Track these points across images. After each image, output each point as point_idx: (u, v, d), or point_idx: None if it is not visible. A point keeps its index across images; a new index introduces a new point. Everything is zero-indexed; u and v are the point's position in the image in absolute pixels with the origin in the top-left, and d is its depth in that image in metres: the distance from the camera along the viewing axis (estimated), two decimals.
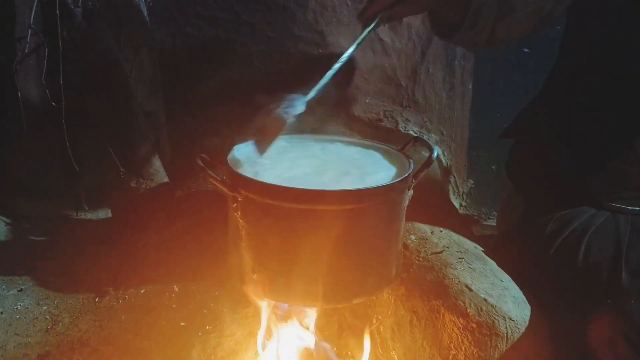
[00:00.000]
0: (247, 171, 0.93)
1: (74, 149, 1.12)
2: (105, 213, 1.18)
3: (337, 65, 1.03)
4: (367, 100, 1.66)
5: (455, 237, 1.16)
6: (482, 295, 0.92)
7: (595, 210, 1.11)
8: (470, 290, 0.93)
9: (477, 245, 1.15)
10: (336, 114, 1.63)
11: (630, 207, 1.09)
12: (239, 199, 0.89)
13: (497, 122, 1.75)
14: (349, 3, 1.55)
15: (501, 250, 1.19)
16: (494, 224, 1.83)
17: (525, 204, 1.33)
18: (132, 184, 1.10)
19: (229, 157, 0.97)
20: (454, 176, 1.79)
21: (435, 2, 1.02)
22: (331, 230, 0.86)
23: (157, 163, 1.14)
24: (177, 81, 1.38)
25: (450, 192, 1.81)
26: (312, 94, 1.00)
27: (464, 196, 1.85)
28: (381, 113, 1.68)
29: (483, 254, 1.10)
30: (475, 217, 1.84)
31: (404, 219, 0.97)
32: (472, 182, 1.84)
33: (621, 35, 1.13)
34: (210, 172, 0.89)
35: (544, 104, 1.35)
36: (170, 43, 1.45)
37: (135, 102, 1.15)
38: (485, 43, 1.15)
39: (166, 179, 1.16)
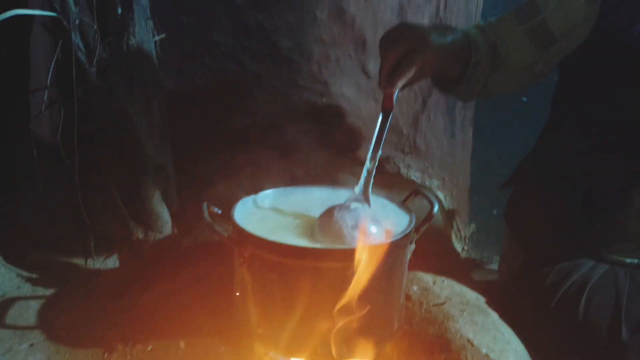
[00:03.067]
0: (252, 225, 0.96)
1: (85, 202, 1.15)
2: (113, 263, 1.21)
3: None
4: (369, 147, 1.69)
5: (458, 287, 1.18)
6: (484, 351, 0.94)
7: (594, 262, 1.13)
8: (472, 345, 0.95)
9: (479, 296, 1.17)
10: (340, 159, 1.67)
11: (628, 260, 1.11)
12: (245, 254, 0.92)
13: (497, 169, 1.78)
14: (352, 54, 1.60)
15: (502, 300, 1.21)
16: (496, 268, 1.84)
17: (524, 254, 1.35)
18: (140, 236, 1.12)
19: (235, 210, 1.00)
20: (456, 221, 1.81)
21: (442, 64, 1.05)
22: (334, 287, 0.88)
23: (165, 215, 1.17)
24: (184, 132, 1.42)
25: (453, 237, 1.83)
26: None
27: (466, 240, 1.87)
28: (383, 159, 1.72)
29: (485, 306, 1.12)
30: (478, 262, 1.85)
31: (407, 272, 0.99)
32: (474, 226, 1.86)
33: (614, 89, 1.16)
34: (216, 226, 0.92)
35: (541, 154, 1.38)
36: (179, 94, 1.49)
37: (146, 156, 1.19)
38: (478, 95, 1.19)
39: (173, 231, 1.19)
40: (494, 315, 1.08)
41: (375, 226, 0.93)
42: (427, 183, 1.74)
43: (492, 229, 1.88)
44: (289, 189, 1.16)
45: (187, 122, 1.45)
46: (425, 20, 1.60)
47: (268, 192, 1.13)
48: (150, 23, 1.34)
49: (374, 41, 1.59)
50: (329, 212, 0.95)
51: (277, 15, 1.52)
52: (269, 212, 1.04)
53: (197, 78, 1.51)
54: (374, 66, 1.61)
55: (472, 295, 1.15)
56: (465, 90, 1.17)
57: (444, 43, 1.02)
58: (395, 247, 0.91)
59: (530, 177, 1.39)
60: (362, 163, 1.70)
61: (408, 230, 0.94)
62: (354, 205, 0.99)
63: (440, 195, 1.76)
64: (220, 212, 1.03)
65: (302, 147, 1.62)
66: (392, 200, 1.10)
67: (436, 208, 1.01)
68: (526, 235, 1.34)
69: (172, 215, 1.23)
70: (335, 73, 1.61)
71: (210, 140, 1.50)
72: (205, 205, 1.00)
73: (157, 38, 1.37)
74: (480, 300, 1.15)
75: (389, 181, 1.72)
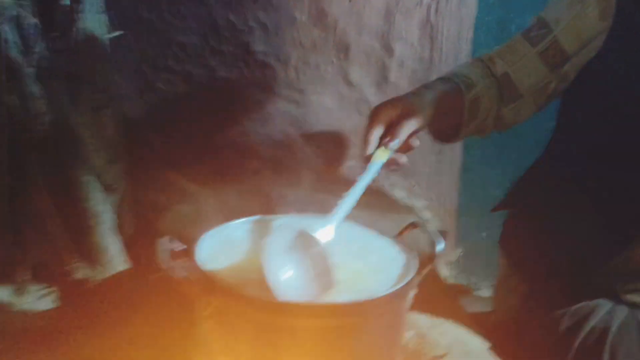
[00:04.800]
0: (223, 266, 0.79)
1: (17, 227, 0.95)
2: (48, 303, 1.01)
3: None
4: (352, 163, 1.54)
5: (458, 332, 1.03)
6: None
7: (612, 304, 1.00)
8: None
9: (482, 342, 1.02)
10: (320, 177, 1.51)
11: None
12: (213, 304, 0.75)
13: (487, 189, 1.65)
14: (334, 60, 1.44)
15: (503, 341, 1.06)
16: (485, 295, 1.71)
17: (526, 287, 1.21)
18: (84, 273, 0.94)
19: (199, 247, 0.82)
20: None
21: (434, 120, 0.97)
22: (324, 348, 0.72)
23: (115, 247, 0.99)
24: (143, 145, 1.23)
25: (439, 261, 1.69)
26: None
27: (453, 265, 1.73)
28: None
29: (489, 356, 0.97)
30: (464, 288, 1.72)
31: (406, 323, 0.84)
32: (461, 250, 1.73)
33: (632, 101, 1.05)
34: (177, 269, 0.74)
35: (544, 173, 1.25)
36: (137, 101, 1.31)
37: (94, 174, 1.00)
38: (493, 128, 1.13)
39: (125, 266, 1.00)
40: None
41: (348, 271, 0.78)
42: (412, 203, 1.60)
43: (481, 253, 1.76)
44: (267, 218, 0.99)
45: (146, 133, 1.26)
46: (414, 24, 1.45)
47: (240, 221, 0.95)
48: (104, 17, 1.15)
49: (357, 46, 1.44)
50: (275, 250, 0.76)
51: (251, 15, 1.35)
52: (244, 248, 0.87)
53: (159, 83, 1.33)
54: (357, 74, 1.46)
55: (474, 342, 1.01)
56: (474, 128, 1.09)
57: (426, 101, 0.96)
58: (396, 299, 0.76)
59: (530, 198, 1.26)
60: (341, 181, 1.58)
61: (411, 277, 0.78)
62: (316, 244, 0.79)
63: (426, 216, 1.62)
64: (184, 248, 0.85)
65: (278, 164, 1.46)
66: (383, 233, 0.95)
67: (441, 246, 0.86)
68: (528, 267, 1.21)
69: (124, 246, 1.04)
70: (314, 81, 1.45)
71: (173, 155, 1.31)
72: (163, 241, 0.82)
73: (111, 35, 1.18)
74: (484, 348, 1.01)
75: (371, 200, 1.57)
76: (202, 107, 1.40)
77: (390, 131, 0.89)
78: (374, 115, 0.91)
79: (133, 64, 1.30)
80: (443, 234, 0.98)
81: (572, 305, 1.04)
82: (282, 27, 1.38)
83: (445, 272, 1.70)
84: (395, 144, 0.88)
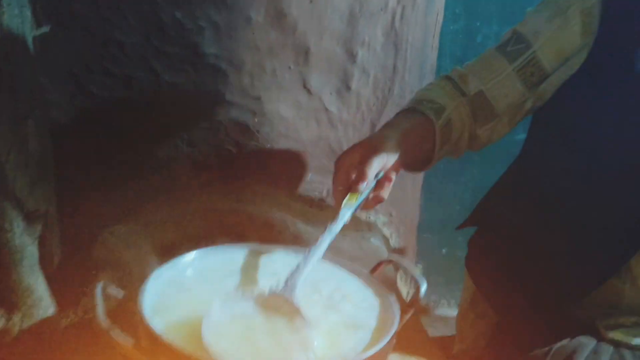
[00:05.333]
0: (173, 322, 0.66)
1: None
2: None
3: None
4: (309, 178, 1.43)
5: None
6: None
7: (595, 342, 0.94)
8: None
9: None
10: (273, 193, 1.39)
11: (635, 341, 0.92)
12: None
13: (448, 204, 1.58)
14: (291, 66, 1.32)
15: None
16: (445, 314, 1.65)
17: (496, 317, 1.14)
18: (0, 322, 0.78)
19: (145, 294, 0.69)
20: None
21: (404, 149, 0.93)
22: None
23: (39, 288, 0.83)
24: (74, 161, 1.07)
25: (398, 279, 1.60)
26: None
27: (413, 283, 1.65)
28: (324, 192, 1.45)
29: None
30: (424, 307, 1.65)
31: None
32: (421, 267, 1.66)
33: (612, 116, 0.98)
34: (115, 334, 0.60)
35: (514, 190, 1.19)
36: (67, 107, 1.14)
37: (13, 199, 0.84)
38: (467, 148, 1.08)
39: (52, 310, 0.84)
40: None
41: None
42: (372, 219, 1.50)
43: (441, 270, 1.69)
44: (220, 249, 0.87)
45: (78, 148, 1.10)
46: (379, 30, 1.35)
47: (190, 256, 0.82)
48: (28, 11, 0.98)
49: (318, 51, 1.32)
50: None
51: (200, 14, 1.21)
52: (197, 292, 0.74)
53: (94, 89, 1.16)
54: (317, 81, 1.35)
55: None
56: (447, 151, 1.05)
57: (391, 138, 0.92)
58: (379, 358, 0.65)
59: (497, 217, 1.19)
60: (298, 197, 1.46)
61: (394, 330, 0.68)
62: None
63: (387, 232, 1.53)
64: (121, 297, 0.71)
65: (231, 177, 1.32)
66: (353, 271, 0.84)
67: (424, 289, 0.77)
68: (498, 295, 1.14)
69: (50, 282, 0.88)
70: (270, 87, 1.32)
71: (110, 171, 1.15)
72: (100, 286, 0.68)
73: (37, 32, 1.01)
74: None
75: (330, 217, 1.47)
76: (144, 116, 1.24)
77: (356, 176, 0.85)
78: (337, 164, 0.89)
79: (63, 65, 1.13)
80: (399, 251, 0.89)
81: (550, 342, 0.97)
82: (235, 27, 1.24)
83: (404, 291, 1.62)
84: (364, 185, 0.84)
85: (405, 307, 0.74)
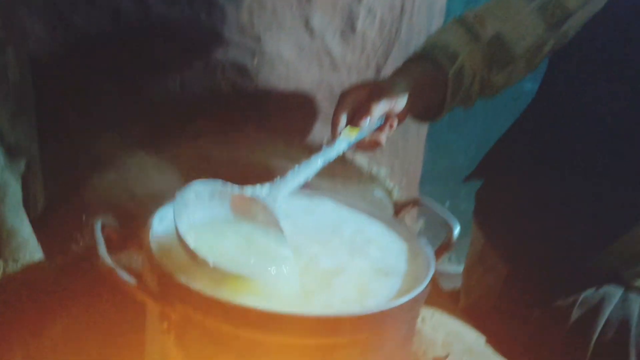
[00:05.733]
0: (186, 267, 0.58)
1: None
2: None
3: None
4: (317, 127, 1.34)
5: (451, 323, 0.89)
6: None
7: (622, 291, 0.89)
8: None
9: (478, 336, 0.89)
10: (272, 141, 1.30)
11: None
12: (173, 316, 0.54)
13: (453, 155, 1.52)
14: (294, 4, 1.22)
15: (483, 330, 0.94)
16: (447, 271, 1.61)
17: (507, 269, 1.09)
18: None
19: (151, 232, 0.61)
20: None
21: (413, 97, 0.88)
22: None
23: (24, 230, 0.74)
24: (58, 96, 0.96)
25: None
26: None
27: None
28: (324, 140, 1.37)
29: (495, 355, 0.83)
30: None
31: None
32: (422, 222, 1.60)
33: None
34: (119, 275, 0.52)
35: (524, 140, 1.13)
36: (49, 39, 1.03)
37: None
38: (479, 95, 1.01)
39: (39, 254, 0.75)
40: None
41: None
42: (374, 171, 1.43)
43: (443, 224, 1.63)
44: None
45: (62, 83, 0.99)
46: None
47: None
48: None
49: None
50: None
51: None
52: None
53: (77, 20, 1.05)
54: (320, 21, 1.25)
55: (471, 337, 0.87)
56: (460, 99, 0.98)
57: (400, 84, 0.88)
58: (416, 304, 0.58)
59: (506, 168, 1.14)
60: (297, 145, 1.38)
61: (431, 274, 0.61)
62: None
63: (389, 184, 1.46)
64: (123, 233, 0.63)
65: (227, 124, 1.23)
66: (374, 215, 0.77)
67: (456, 231, 0.70)
68: (510, 247, 1.09)
69: (35, 225, 0.79)
70: (271, 26, 1.22)
71: (96, 111, 1.05)
72: (98, 224, 0.60)
73: None
74: (481, 343, 0.87)
75: (332, 167, 1.39)
76: (131, 53, 1.13)
77: (360, 111, 0.82)
78: (341, 98, 0.85)
79: None
80: (415, 201, 0.83)
81: (571, 293, 0.92)
82: None
83: None
84: (366, 122, 0.81)
85: (436, 251, 0.68)
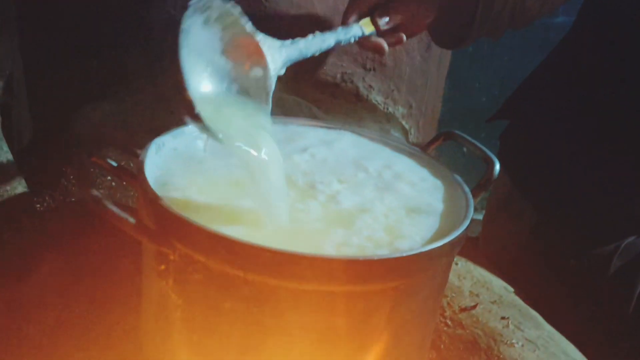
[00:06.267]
0: (187, 199, 0.50)
1: None
2: None
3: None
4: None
5: (476, 272, 0.81)
6: None
7: None
8: None
9: (506, 285, 0.81)
10: (283, 76, 1.19)
11: None
12: (172, 258, 0.46)
13: (474, 95, 1.41)
14: None
15: (508, 280, 0.87)
16: None
17: (536, 216, 1.01)
18: None
19: (146, 163, 0.52)
20: None
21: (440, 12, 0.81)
22: (344, 324, 0.46)
23: (3, 160, 0.65)
24: (46, 15, 0.86)
25: None
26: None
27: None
28: (338, 76, 1.27)
29: (526, 307, 0.76)
30: None
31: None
32: None
33: None
34: (107, 203, 0.44)
35: (554, 79, 1.03)
36: None
37: None
38: (509, 25, 0.89)
39: (21, 187, 0.67)
40: (546, 326, 0.72)
41: None
42: (390, 109, 1.33)
43: (462, 169, 1.54)
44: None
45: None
46: None
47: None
48: None
49: None
50: None
51: None
52: (211, 166, 0.57)
53: None
54: None
55: (497, 283, 0.80)
56: (488, 28, 0.87)
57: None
58: (455, 247, 0.50)
59: (541, 105, 1.05)
60: (308, 81, 1.28)
61: (470, 214, 0.53)
62: None
63: (405, 125, 1.37)
64: (115, 164, 0.54)
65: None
66: (401, 149, 0.68)
67: (497, 168, 0.62)
68: (541, 192, 1.00)
69: (18, 159, 0.71)
70: None
71: (86, 31, 0.94)
72: (84, 152, 0.51)
73: None
74: (510, 292, 0.80)
75: (344, 105, 1.29)
76: None
77: (382, 8, 0.77)
78: None
79: None
80: (448, 134, 0.73)
81: (608, 241, 0.84)
82: None
83: None
84: (385, 21, 0.77)
85: (475, 189, 0.59)
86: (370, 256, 0.44)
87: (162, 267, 0.47)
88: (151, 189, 0.47)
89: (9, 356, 0.52)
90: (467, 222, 0.51)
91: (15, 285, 0.60)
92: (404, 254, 0.45)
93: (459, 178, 0.61)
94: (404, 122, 1.36)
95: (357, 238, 0.49)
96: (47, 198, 0.73)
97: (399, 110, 1.35)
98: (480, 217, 1.26)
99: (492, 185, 1.23)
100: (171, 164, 0.56)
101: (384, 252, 0.47)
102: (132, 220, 0.44)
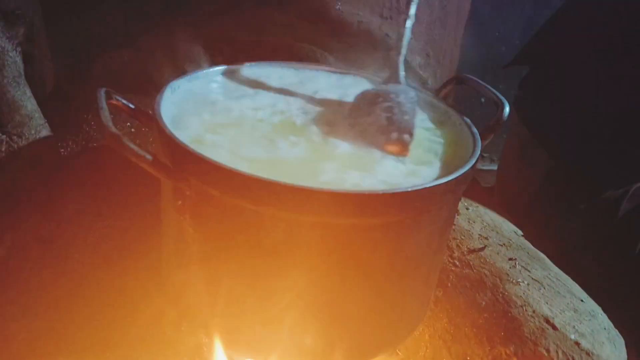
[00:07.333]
0: (201, 138, 0.52)
1: None
2: None
3: None
4: (338, 7, 1.22)
5: (487, 216, 0.83)
6: (572, 337, 0.60)
7: None
8: (554, 328, 0.60)
9: (515, 229, 0.83)
10: (298, 25, 1.19)
11: None
12: (188, 193, 0.48)
13: (493, 44, 1.39)
14: None
15: (521, 225, 0.88)
16: (480, 167, 1.53)
17: (551, 163, 1.01)
18: None
19: (162, 105, 0.54)
20: None
21: None
22: (354, 256, 0.48)
23: (28, 104, 0.67)
24: None
25: None
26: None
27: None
28: (354, 25, 1.25)
29: (533, 248, 0.78)
30: None
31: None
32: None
33: None
34: (125, 142, 0.46)
35: (576, 22, 1.01)
36: None
37: None
38: None
39: (46, 130, 0.69)
40: (553, 267, 0.74)
41: None
42: (407, 59, 1.32)
43: (479, 119, 1.53)
44: (252, 66, 0.71)
45: None
46: None
47: (215, 70, 0.66)
48: None
49: None
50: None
51: None
52: (223, 106, 0.59)
53: None
54: None
55: (507, 227, 0.81)
56: None
57: None
58: (462, 183, 0.52)
59: (562, 50, 1.03)
60: (324, 30, 1.27)
61: (477, 153, 0.54)
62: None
63: (423, 75, 1.36)
64: (133, 107, 0.56)
65: (249, 5, 1.12)
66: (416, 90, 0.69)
67: (507, 110, 0.62)
68: (555, 137, 1.00)
69: (42, 103, 0.73)
70: None
71: None
72: (102, 93, 0.53)
73: None
74: (519, 236, 0.81)
75: (359, 54, 1.29)
76: None
77: None
78: None
79: None
80: (459, 78, 0.73)
81: (618, 186, 0.84)
82: None
83: None
84: None
85: (483, 130, 0.60)
86: (380, 190, 0.46)
87: (179, 202, 0.49)
88: (167, 128, 0.49)
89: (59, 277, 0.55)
90: (473, 161, 0.52)
91: (44, 224, 0.63)
92: (414, 188, 0.46)
93: (467, 120, 0.62)
94: (421, 72, 1.35)
95: (371, 176, 0.50)
96: (70, 143, 0.76)
97: (416, 60, 1.34)
98: (494, 167, 1.27)
99: (508, 136, 1.23)
100: (186, 104, 0.58)
101: (395, 187, 0.48)
102: (149, 157, 0.47)
